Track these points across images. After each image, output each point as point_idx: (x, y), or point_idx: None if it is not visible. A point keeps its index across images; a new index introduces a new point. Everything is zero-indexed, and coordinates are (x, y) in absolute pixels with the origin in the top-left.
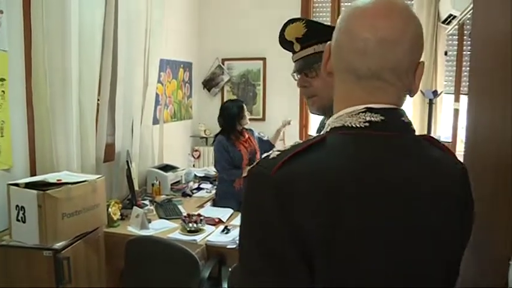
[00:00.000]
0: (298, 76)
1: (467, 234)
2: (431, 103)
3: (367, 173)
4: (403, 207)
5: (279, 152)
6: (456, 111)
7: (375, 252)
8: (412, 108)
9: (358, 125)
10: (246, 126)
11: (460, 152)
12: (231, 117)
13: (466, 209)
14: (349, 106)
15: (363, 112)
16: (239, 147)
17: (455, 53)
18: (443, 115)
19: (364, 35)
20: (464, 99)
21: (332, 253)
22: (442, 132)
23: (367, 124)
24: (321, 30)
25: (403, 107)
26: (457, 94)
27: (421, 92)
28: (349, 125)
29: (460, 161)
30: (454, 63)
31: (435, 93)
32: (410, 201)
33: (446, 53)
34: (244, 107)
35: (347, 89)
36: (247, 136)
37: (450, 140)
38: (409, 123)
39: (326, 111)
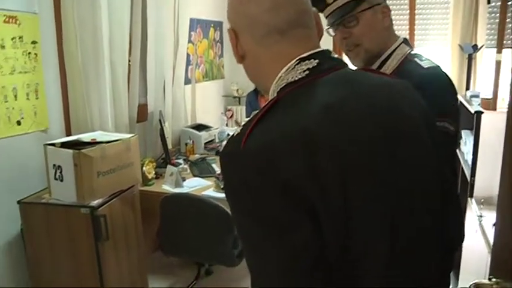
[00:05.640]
0: (336, 30)
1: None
2: (470, 58)
3: (336, 111)
4: (390, 132)
5: (240, 128)
6: (498, 63)
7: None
8: (450, 64)
9: (299, 77)
10: None
11: (501, 109)
12: None
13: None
14: (282, 68)
15: (297, 64)
16: (261, 104)
17: (498, 3)
18: (484, 71)
19: None
20: (507, 53)
21: (333, 197)
22: (481, 88)
23: (307, 72)
24: None
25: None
26: (499, 47)
27: (460, 46)
28: (291, 80)
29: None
30: (497, 15)
31: (475, 48)
32: (396, 123)
33: (489, 2)
34: None
35: (273, 54)
36: None
37: (491, 97)
38: (341, 59)
39: (372, 59)
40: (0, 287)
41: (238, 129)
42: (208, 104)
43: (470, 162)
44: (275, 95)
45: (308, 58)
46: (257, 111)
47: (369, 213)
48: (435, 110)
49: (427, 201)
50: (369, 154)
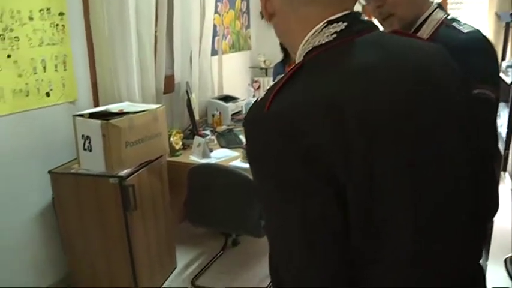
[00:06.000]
0: None
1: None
2: (507, 27)
3: (363, 74)
4: (421, 96)
5: (264, 93)
6: None
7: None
8: (486, 32)
9: (326, 40)
10: None
11: None
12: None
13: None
14: (309, 31)
15: (324, 27)
16: None
17: None
18: None
19: None
20: None
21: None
22: None
23: (334, 35)
24: None
25: None
26: None
27: (496, 14)
28: (318, 43)
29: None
30: None
31: None
32: (427, 87)
33: None
34: None
35: (301, 16)
36: None
37: None
38: (371, 21)
39: (406, 26)
40: (35, 253)
41: (262, 94)
42: (235, 76)
43: (504, 135)
44: (301, 59)
45: (336, 21)
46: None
47: (394, 179)
48: (476, 76)
49: (454, 170)
50: (396, 118)
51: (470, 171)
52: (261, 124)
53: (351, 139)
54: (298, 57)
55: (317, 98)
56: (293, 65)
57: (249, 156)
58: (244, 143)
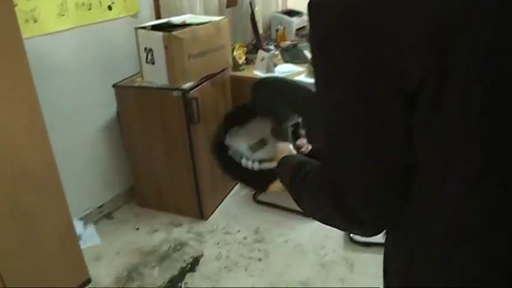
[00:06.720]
0: None
1: None
2: None
3: None
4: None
5: None
6: None
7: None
8: None
9: None
10: None
11: None
12: None
13: None
14: None
15: None
16: None
17: None
18: None
19: None
20: None
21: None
22: None
23: None
24: None
25: None
26: None
27: None
28: None
29: None
30: None
31: None
32: None
33: None
34: None
35: None
36: None
37: None
38: None
39: None
40: (101, 164)
41: None
42: None
43: None
44: None
45: None
46: None
47: (464, 90)
48: None
49: None
50: (470, 20)
51: None
52: (327, 6)
53: (415, 38)
54: None
55: None
56: None
57: (311, 44)
58: (309, 58)
